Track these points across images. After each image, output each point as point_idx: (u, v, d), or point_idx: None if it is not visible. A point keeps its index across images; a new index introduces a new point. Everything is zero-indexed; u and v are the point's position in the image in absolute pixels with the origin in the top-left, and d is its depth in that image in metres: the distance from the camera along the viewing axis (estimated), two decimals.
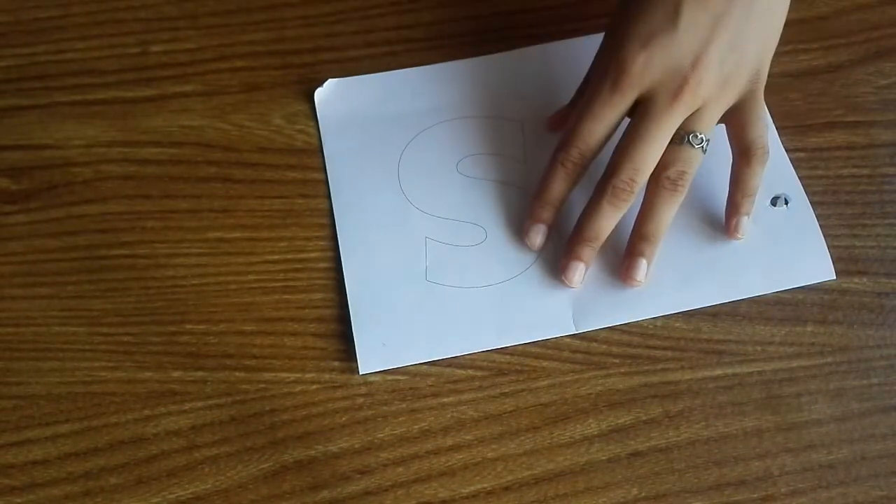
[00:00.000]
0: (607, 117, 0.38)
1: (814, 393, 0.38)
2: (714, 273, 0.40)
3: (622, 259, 0.39)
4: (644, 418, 0.38)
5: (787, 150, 0.43)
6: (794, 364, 0.39)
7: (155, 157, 0.44)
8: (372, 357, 0.39)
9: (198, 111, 0.45)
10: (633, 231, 0.39)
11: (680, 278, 0.40)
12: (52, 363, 0.40)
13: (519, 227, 0.41)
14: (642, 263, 0.38)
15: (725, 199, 0.40)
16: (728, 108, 0.39)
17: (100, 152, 0.44)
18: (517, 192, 0.42)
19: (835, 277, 0.39)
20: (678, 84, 0.36)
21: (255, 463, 0.38)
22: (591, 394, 0.38)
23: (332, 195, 0.43)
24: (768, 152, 0.39)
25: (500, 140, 0.44)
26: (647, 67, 0.36)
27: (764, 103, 0.39)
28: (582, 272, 0.39)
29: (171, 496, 0.37)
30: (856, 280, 0.40)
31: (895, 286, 0.40)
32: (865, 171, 0.43)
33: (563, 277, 0.39)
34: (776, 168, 0.41)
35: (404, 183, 0.43)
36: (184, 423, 0.38)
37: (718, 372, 0.39)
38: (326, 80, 0.45)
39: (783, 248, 0.40)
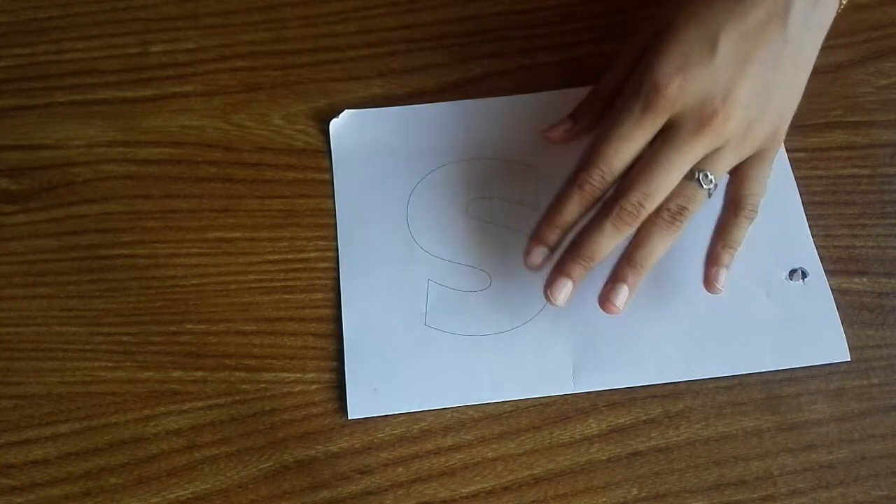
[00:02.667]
0: (636, 138, 0.37)
1: (814, 393, 0.38)
2: (723, 345, 0.39)
3: (604, 284, 0.37)
4: (644, 418, 0.38)
5: (787, 150, 0.43)
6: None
7: (155, 157, 0.44)
8: (362, 403, 0.38)
9: (198, 111, 0.45)
10: (621, 257, 0.38)
11: (688, 348, 0.39)
12: (52, 363, 0.40)
13: (525, 277, 0.40)
14: (623, 290, 0.37)
15: (740, 272, 0.40)
16: (743, 159, 0.38)
17: (100, 152, 0.44)
18: (526, 240, 0.40)
19: (849, 359, 0.38)
20: (708, 114, 0.36)
21: (255, 463, 0.38)
22: (591, 394, 0.38)
23: (338, 227, 0.42)
24: (757, 212, 0.38)
25: (512, 184, 0.43)
26: (682, 91, 0.36)
27: (771, 167, 0.39)
28: (569, 291, 0.37)
29: (171, 496, 0.37)
30: (856, 280, 0.40)
31: (895, 286, 0.40)
32: (865, 171, 0.43)
33: (547, 292, 0.37)
34: (795, 241, 0.41)
35: (412, 221, 0.42)
36: (184, 423, 0.38)
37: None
38: (343, 110, 0.44)
39: (797, 324, 0.39)
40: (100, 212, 0.43)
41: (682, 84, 0.36)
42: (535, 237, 0.38)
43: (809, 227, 0.41)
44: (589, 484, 0.37)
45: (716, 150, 0.37)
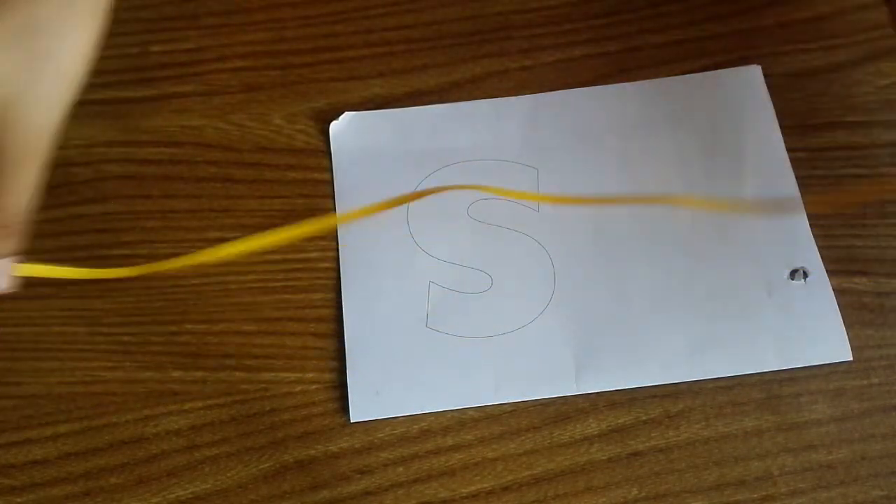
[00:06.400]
0: None
1: (814, 393, 0.38)
2: (726, 346, 0.38)
3: None
4: (644, 418, 0.38)
5: (787, 150, 0.43)
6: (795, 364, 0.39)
7: (155, 157, 0.44)
8: (364, 406, 0.38)
9: (198, 111, 0.45)
10: None
11: (691, 347, 0.38)
12: (52, 363, 0.40)
13: (526, 277, 0.40)
14: None
15: (742, 272, 0.39)
16: None
17: (100, 152, 0.44)
18: (527, 241, 0.41)
19: (851, 359, 0.38)
20: None
21: (255, 463, 0.38)
22: (591, 394, 0.38)
23: (338, 227, 0.42)
24: None
25: (513, 186, 0.42)
26: None
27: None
28: None
29: (171, 496, 0.37)
30: (856, 280, 0.40)
31: (895, 286, 0.40)
32: (865, 171, 0.43)
33: None
34: (796, 239, 0.40)
35: (413, 223, 0.42)
36: (184, 423, 0.38)
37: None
38: (343, 110, 0.44)
39: (799, 324, 0.39)
40: (100, 212, 0.43)
41: None
42: None
43: (810, 226, 0.41)
44: (589, 484, 0.37)
45: None
